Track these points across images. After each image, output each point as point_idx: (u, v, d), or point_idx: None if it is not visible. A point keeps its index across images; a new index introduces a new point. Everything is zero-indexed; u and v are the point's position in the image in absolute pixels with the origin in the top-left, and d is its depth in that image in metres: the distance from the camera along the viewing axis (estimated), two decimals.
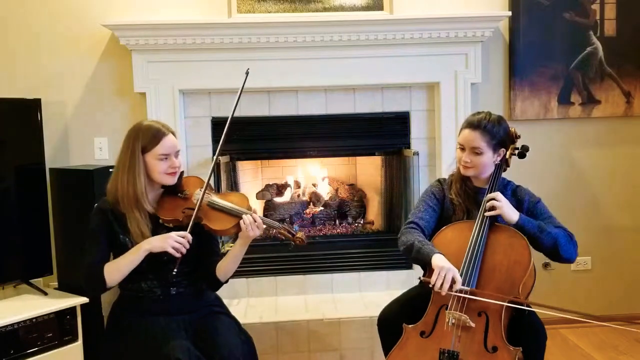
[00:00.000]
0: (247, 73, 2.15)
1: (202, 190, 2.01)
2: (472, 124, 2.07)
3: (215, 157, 2.18)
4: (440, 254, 1.95)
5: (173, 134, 2.04)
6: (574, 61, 3.24)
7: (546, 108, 3.26)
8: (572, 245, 2.03)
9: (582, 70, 3.25)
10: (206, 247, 2.09)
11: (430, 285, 1.88)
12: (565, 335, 3.21)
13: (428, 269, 1.99)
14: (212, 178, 3.00)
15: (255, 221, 1.97)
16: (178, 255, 1.90)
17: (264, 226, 2.00)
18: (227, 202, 2.04)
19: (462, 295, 1.88)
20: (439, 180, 2.27)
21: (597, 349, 3.05)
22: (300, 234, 2.03)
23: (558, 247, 1.98)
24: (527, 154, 2.69)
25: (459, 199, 2.14)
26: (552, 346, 3.06)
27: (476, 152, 2.06)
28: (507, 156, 2.16)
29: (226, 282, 2.09)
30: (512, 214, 2.00)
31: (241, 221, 1.97)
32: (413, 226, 2.11)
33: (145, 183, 1.97)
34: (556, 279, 3.35)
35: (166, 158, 1.98)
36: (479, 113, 2.13)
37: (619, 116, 3.31)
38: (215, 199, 2.04)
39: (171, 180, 2.01)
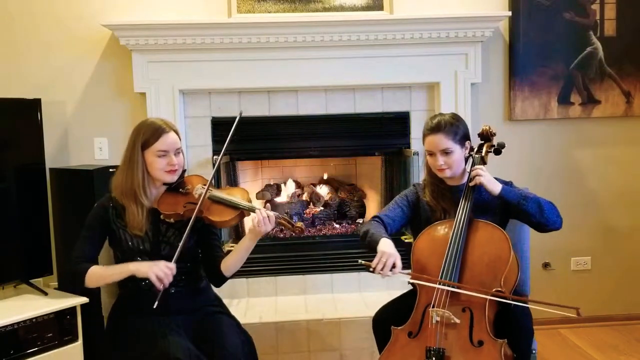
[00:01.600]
0: (240, 115, 2.13)
1: (205, 185, 2.03)
2: (433, 129, 2.13)
3: (218, 160, 2.18)
4: (388, 239, 2.02)
5: (176, 132, 2.05)
6: (574, 61, 3.24)
7: (546, 108, 3.26)
8: (556, 210, 2.06)
9: (582, 70, 3.25)
10: (208, 243, 2.10)
11: (371, 269, 1.94)
12: (565, 335, 3.21)
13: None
14: (213, 179, 3.04)
15: (268, 217, 1.97)
16: (159, 285, 1.87)
17: (272, 218, 1.99)
18: (228, 195, 2.05)
19: (440, 287, 1.92)
20: (413, 185, 2.33)
21: (597, 349, 3.05)
22: (299, 224, 2.04)
23: (543, 211, 2.02)
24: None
25: (434, 201, 2.19)
26: (552, 346, 3.07)
27: (446, 152, 2.11)
28: (483, 154, 2.19)
29: (230, 277, 2.09)
30: (494, 185, 2.05)
31: (252, 217, 1.97)
32: (376, 220, 2.18)
33: (143, 178, 1.99)
34: (556, 279, 3.35)
35: (165, 155, 1.99)
36: (434, 117, 2.18)
37: (619, 116, 3.31)
38: (216, 192, 2.06)
39: (170, 178, 2.02)
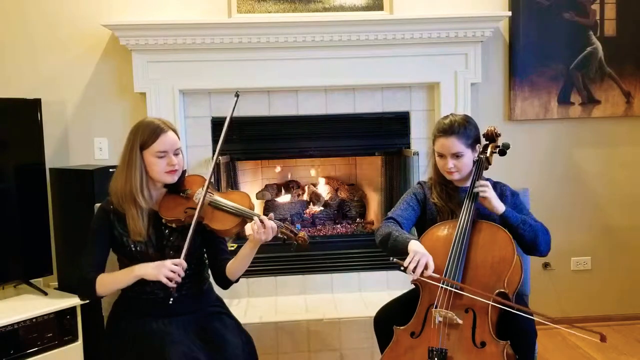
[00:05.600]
0: (237, 95, 2.09)
1: (204, 189, 1.98)
2: (446, 131, 2.10)
3: (214, 158, 2.14)
4: (417, 241, 2.00)
5: (175, 131, 2.01)
6: (574, 61, 3.24)
7: (546, 108, 3.26)
8: (548, 238, 2.08)
9: (582, 70, 3.25)
10: (214, 246, 2.08)
11: (402, 268, 1.91)
12: (565, 335, 3.21)
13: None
14: (212, 178, 3.03)
15: (264, 227, 1.92)
16: (172, 285, 1.86)
17: (274, 228, 1.95)
18: (229, 201, 2.01)
19: (442, 285, 1.91)
20: (419, 183, 2.31)
21: (597, 349, 3.05)
22: (302, 234, 1.99)
23: (537, 240, 2.04)
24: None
25: (442, 202, 2.17)
26: (552, 346, 3.07)
27: (458, 155, 2.10)
28: (487, 154, 2.18)
29: (237, 281, 2.09)
30: (499, 205, 2.04)
31: (250, 225, 1.93)
32: (391, 221, 2.14)
33: (142, 180, 1.94)
34: (556, 279, 3.35)
35: (164, 156, 1.95)
36: (446, 118, 2.16)
37: (619, 116, 3.31)
38: (217, 198, 2.02)
39: (170, 179, 1.98)
